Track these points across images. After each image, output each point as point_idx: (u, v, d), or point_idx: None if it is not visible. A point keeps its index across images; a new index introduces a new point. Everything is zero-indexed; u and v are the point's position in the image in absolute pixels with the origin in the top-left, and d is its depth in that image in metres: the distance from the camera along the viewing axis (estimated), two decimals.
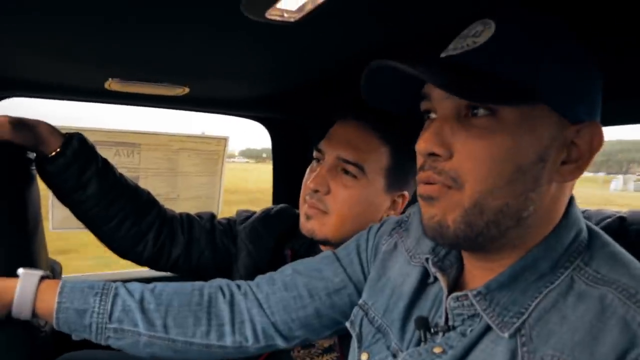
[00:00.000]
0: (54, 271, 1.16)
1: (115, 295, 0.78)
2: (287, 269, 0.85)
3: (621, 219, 0.89)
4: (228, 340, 0.79)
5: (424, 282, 0.70)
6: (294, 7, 0.62)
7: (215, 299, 0.82)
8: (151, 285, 0.82)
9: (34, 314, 0.76)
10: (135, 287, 0.81)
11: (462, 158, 0.55)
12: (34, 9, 0.70)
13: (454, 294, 0.61)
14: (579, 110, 0.55)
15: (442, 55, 0.59)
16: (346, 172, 1.00)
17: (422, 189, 0.59)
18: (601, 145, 0.56)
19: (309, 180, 1.02)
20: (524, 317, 0.55)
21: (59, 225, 1.49)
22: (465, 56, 0.56)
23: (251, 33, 0.78)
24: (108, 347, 0.86)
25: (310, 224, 1.02)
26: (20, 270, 0.77)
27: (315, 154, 1.06)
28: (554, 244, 0.57)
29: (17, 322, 0.78)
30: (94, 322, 0.76)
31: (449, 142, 0.56)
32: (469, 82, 0.53)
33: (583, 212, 0.99)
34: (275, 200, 1.75)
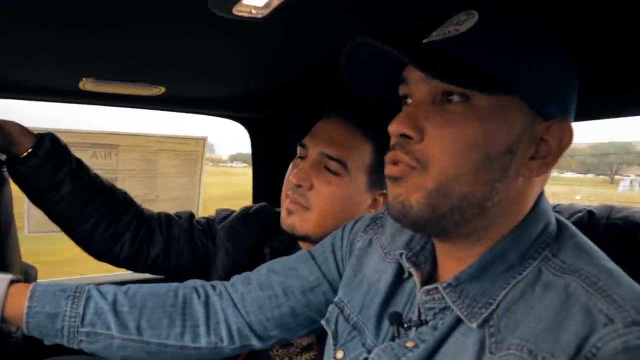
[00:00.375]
0: (28, 275, 1.15)
1: (88, 298, 0.77)
2: (263, 269, 0.85)
3: (590, 213, 0.91)
4: (203, 342, 0.79)
5: (399, 278, 0.70)
6: (260, 3, 0.62)
7: (190, 299, 0.81)
8: (125, 287, 0.81)
9: (3, 319, 0.75)
10: (108, 289, 0.80)
11: (432, 141, 0.56)
12: (2, 6, 0.69)
13: (425, 288, 0.62)
14: (552, 107, 0.56)
15: (425, 40, 0.60)
16: (329, 168, 1.00)
17: (388, 169, 0.60)
18: (570, 143, 0.57)
19: (291, 175, 1.02)
20: (492, 307, 0.56)
21: (35, 229, 1.47)
22: (445, 42, 0.57)
23: (221, 31, 0.77)
24: (81, 352, 0.85)
25: (291, 219, 1.02)
26: None
27: (299, 150, 1.06)
28: (521, 236, 0.58)
29: None
30: (65, 325, 0.75)
31: (422, 126, 0.57)
32: (446, 65, 0.54)
33: (555, 206, 1.01)
34: (255, 199, 1.75)
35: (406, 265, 0.67)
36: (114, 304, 0.78)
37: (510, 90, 0.54)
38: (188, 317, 0.79)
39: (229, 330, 0.80)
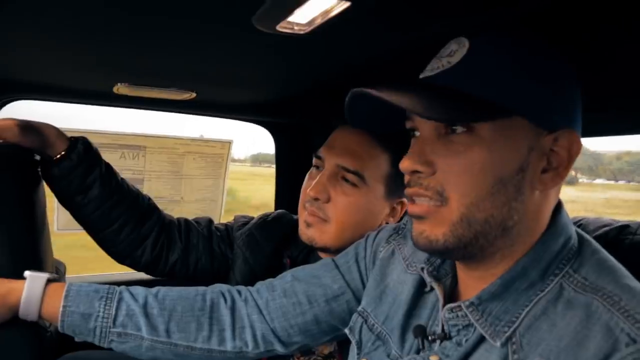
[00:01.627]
0: (58, 272, 1.17)
1: (120, 299, 0.80)
2: (287, 276, 0.86)
3: (619, 228, 0.90)
4: (229, 346, 0.81)
5: (421, 290, 0.71)
6: (304, 21, 0.63)
7: (217, 304, 0.83)
8: (155, 290, 0.83)
9: (40, 316, 0.78)
10: (139, 291, 0.82)
11: (444, 173, 0.58)
12: (46, 13, 0.71)
13: (448, 306, 0.62)
14: (555, 119, 0.57)
15: (421, 76, 0.62)
16: (346, 180, 1.00)
17: (411, 209, 0.62)
18: (579, 151, 0.58)
19: (308, 188, 1.02)
20: (515, 325, 0.56)
21: (63, 227, 1.50)
22: (439, 78, 0.59)
23: (260, 44, 0.79)
24: (110, 349, 0.88)
25: (310, 232, 1.02)
26: (27, 273, 0.79)
27: (314, 160, 1.06)
28: (542, 253, 0.58)
29: (24, 322, 0.79)
30: (98, 326, 0.78)
31: (431, 160, 0.59)
32: (442, 104, 0.55)
33: (580, 220, 1.00)
34: (277, 204, 1.76)
35: (428, 279, 0.68)
36: (145, 306, 0.80)
37: (509, 112, 0.55)
38: (215, 321, 0.81)
39: (254, 335, 0.82)
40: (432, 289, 0.69)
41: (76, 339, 0.80)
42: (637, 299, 0.52)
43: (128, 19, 0.73)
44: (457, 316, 0.61)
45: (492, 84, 0.56)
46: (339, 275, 0.83)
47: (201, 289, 0.86)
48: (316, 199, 1.01)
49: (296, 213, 1.17)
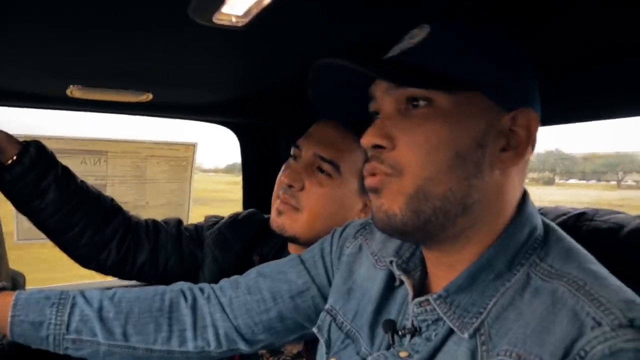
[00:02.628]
0: (17, 283, 1.14)
1: (73, 305, 0.77)
2: (252, 272, 0.85)
3: (577, 216, 0.91)
4: (190, 346, 0.79)
5: (390, 285, 0.70)
6: (240, 12, 0.63)
7: (177, 303, 0.81)
8: (110, 292, 0.81)
9: None
10: (94, 295, 0.80)
11: (404, 147, 0.58)
12: None
13: (417, 300, 0.62)
14: (512, 98, 0.58)
15: (383, 58, 0.62)
16: (321, 170, 1.00)
17: (367, 181, 0.62)
18: (537, 130, 0.59)
19: (283, 175, 1.02)
20: (482, 316, 0.56)
21: (24, 236, 1.47)
22: (401, 55, 0.60)
23: (203, 39, 0.78)
24: (69, 358, 0.85)
25: (281, 220, 1.01)
26: None
27: (293, 150, 1.06)
28: (507, 242, 0.58)
29: None
30: (50, 334, 0.75)
31: (392, 134, 0.59)
32: (403, 71, 0.57)
33: (540, 209, 1.02)
34: (245, 205, 1.75)
35: (397, 272, 0.68)
36: (100, 310, 0.78)
37: (468, 86, 0.57)
38: (175, 321, 0.80)
39: (217, 334, 0.80)
40: (401, 283, 0.68)
41: (32, 346, 0.77)
42: (600, 282, 0.52)
43: (75, 18, 0.72)
44: (426, 310, 0.61)
45: (452, 60, 0.57)
46: (304, 271, 0.82)
47: (160, 288, 0.84)
48: (290, 186, 1.00)
49: (265, 213, 1.17)
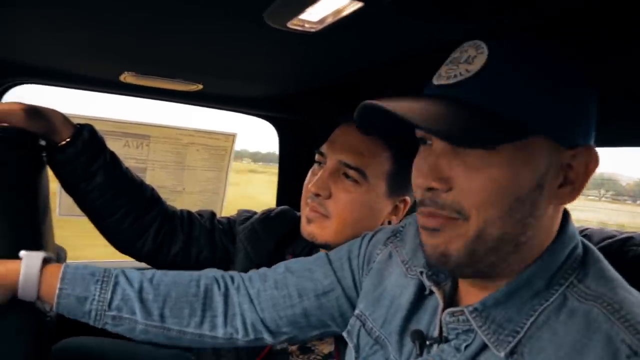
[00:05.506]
0: (59, 257, 1.18)
1: (116, 284, 0.80)
2: (281, 267, 0.87)
3: (623, 240, 0.90)
4: (220, 332, 0.82)
5: (421, 294, 0.70)
6: (315, 19, 0.64)
7: (211, 290, 0.84)
8: (149, 274, 0.84)
9: (38, 297, 0.78)
10: (135, 276, 0.83)
11: (462, 190, 0.56)
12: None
13: (450, 309, 0.62)
14: (575, 136, 0.56)
15: (435, 82, 0.59)
16: (347, 176, 0.99)
17: (424, 221, 0.60)
18: (597, 166, 0.57)
19: (310, 184, 1.02)
20: (519, 336, 0.56)
21: (66, 212, 1.51)
22: (457, 88, 0.56)
23: (270, 40, 0.79)
24: (106, 334, 0.88)
25: (311, 228, 1.02)
26: (23, 253, 0.79)
27: (317, 157, 1.06)
28: (549, 262, 0.58)
29: (24, 307, 0.80)
30: (93, 309, 0.78)
31: (447, 176, 0.56)
32: (460, 121, 0.52)
33: (584, 229, 1.01)
34: (279, 200, 1.76)
35: (427, 283, 0.68)
36: (140, 291, 0.81)
37: (528, 131, 0.53)
38: (208, 307, 0.82)
39: (244, 323, 0.83)
40: (431, 292, 0.68)
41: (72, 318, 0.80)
42: (637, 308, 0.51)
43: (138, 7, 0.73)
44: (458, 320, 0.61)
45: (515, 100, 0.53)
46: (330, 271, 0.83)
47: (195, 274, 0.86)
48: (317, 195, 1.00)
49: (299, 210, 1.17)
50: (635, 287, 0.57)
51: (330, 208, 1.00)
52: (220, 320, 0.82)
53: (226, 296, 0.84)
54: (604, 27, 0.62)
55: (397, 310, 0.72)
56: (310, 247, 1.12)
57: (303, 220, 1.05)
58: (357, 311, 0.78)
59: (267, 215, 1.20)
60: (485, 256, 0.57)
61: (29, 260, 0.78)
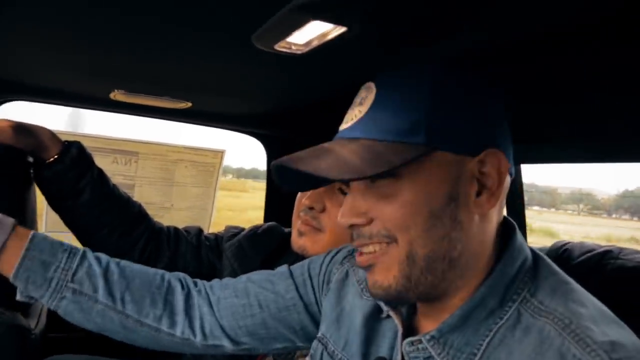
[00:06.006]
0: None
1: (83, 257, 0.79)
2: (243, 277, 0.86)
3: (603, 254, 0.92)
4: (178, 330, 0.80)
5: (377, 316, 0.70)
6: (301, 42, 0.65)
7: (174, 287, 0.83)
8: (117, 259, 0.83)
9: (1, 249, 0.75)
10: (103, 256, 0.82)
11: (380, 220, 0.58)
12: (46, 16, 0.72)
13: (408, 339, 0.62)
14: (476, 143, 0.57)
15: (340, 129, 0.62)
16: (342, 192, 0.99)
17: (358, 260, 0.62)
18: (507, 168, 0.58)
19: (304, 197, 1.02)
20: (476, 358, 0.56)
21: (52, 228, 1.51)
22: (352, 130, 0.59)
23: (258, 60, 0.81)
24: (91, 351, 0.87)
25: (302, 241, 1.02)
26: None
27: None
28: (499, 279, 0.58)
29: (7, 323, 0.79)
30: (56, 276, 0.76)
31: (364, 210, 0.59)
32: (358, 160, 0.55)
33: (565, 244, 1.02)
34: (267, 217, 1.77)
35: (385, 308, 0.68)
36: (106, 270, 0.79)
37: (426, 150, 0.55)
38: (169, 303, 0.81)
39: (202, 327, 0.81)
40: (388, 315, 0.68)
41: (18, 296, 0.76)
42: (586, 322, 0.51)
43: (129, 26, 0.74)
44: (418, 349, 0.60)
45: (404, 125, 0.56)
46: (292, 286, 0.82)
47: (160, 270, 0.86)
48: (311, 208, 1.01)
49: (286, 226, 1.17)
50: (612, 297, 0.58)
51: (324, 222, 1.00)
52: (179, 318, 0.81)
53: (188, 297, 0.83)
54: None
55: (355, 333, 0.71)
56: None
57: (294, 234, 1.05)
58: (319, 334, 0.78)
59: (254, 231, 1.19)
60: (422, 277, 0.57)
61: (1, 218, 0.76)
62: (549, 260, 0.61)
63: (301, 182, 0.65)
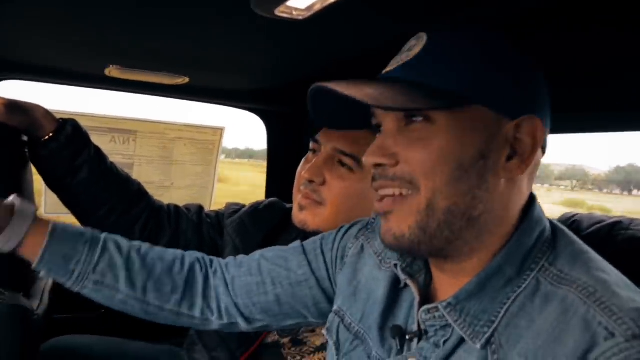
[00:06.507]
0: None
1: (104, 248, 0.79)
2: (256, 254, 0.87)
3: (612, 225, 0.91)
4: (197, 312, 0.82)
5: (396, 286, 0.70)
6: (303, 6, 0.63)
7: (193, 270, 0.84)
8: (137, 244, 0.83)
9: (19, 247, 0.75)
10: (124, 243, 0.82)
11: (407, 162, 0.57)
12: None
13: (425, 307, 0.62)
14: (515, 107, 0.57)
15: (382, 72, 0.62)
16: (342, 164, 0.99)
17: (376, 206, 0.61)
18: (544, 138, 0.58)
19: (304, 171, 1.01)
20: (495, 325, 0.55)
21: (52, 210, 1.49)
22: (396, 71, 0.59)
23: (258, 29, 0.78)
24: (95, 332, 0.86)
25: (303, 215, 1.01)
26: (14, 198, 0.76)
27: (311, 144, 1.05)
28: (517, 247, 0.57)
29: (10, 303, 0.78)
30: (78, 269, 0.77)
31: (393, 151, 0.58)
32: (399, 96, 0.55)
33: (574, 216, 1.01)
34: (268, 193, 1.76)
35: (402, 277, 0.67)
36: (128, 259, 0.80)
37: (465, 101, 0.55)
38: (189, 286, 0.82)
39: (219, 306, 0.83)
40: (406, 285, 0.68)
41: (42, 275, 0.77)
42: (611, 290, 0.51)
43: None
44: (434, 317, 0.60)
45: (449, 74, 0.56)
46: (305, 262, 0.83)
47: (179, 252, 0.86)
48: (311, 182, 1.00)
49: (288, 202, 1.16)
50: (623, 269, 0.57)
51: (324, 195, 0.99)
52: (199, 300, 0.82)
53: (206, 277, 0.84)
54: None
55: (375, 303, 0.71)
56: (301, 239, 1.12)
57: (295, 208, 1.04)
58: (335, 307, 0.78)
59: (255, 208, 1.19)
60: (438, 230, 0.57)
61: (24, 206, 0.76)
62: (567, 231, 0.60)
63: (334, 116, 0.66)
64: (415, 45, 0.59)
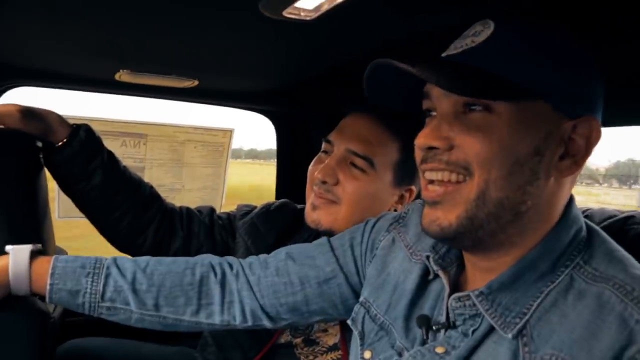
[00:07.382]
0: None
1: (107, 275, 0.79)
2: (281, 253, 0.86)
3: (624, 219, 0.90)
4: (217, 319, 0.82)
5: (425, 279, 0.70)
6: (310, 7, 0.63)
7: (207, 277, 0.83)
8: (143, 263, 0.83)
9: (31, 291, 0.77)
10: (128, 265, 0.82)
11: (462, 148, 0.57)
12: None
13: (456, 295, 0.62)
14: (576, 106, 0.56)
15: (444, 54, 0.61)
16: (355, 165, 0.99)
17: (426, 193, 0.61)
18: (598, 140, 0.57)
19: (316, 171, 1.01)
20: (527, 317, 0.56)
21: (64, 214, 1.50)
22: (462, 55, 0.58)
23: (266, 30, 0.79)
24: (111, 334, 0.87)
25: (316, 214, 1.01)
26: (9, 248, 0.78)
27: (324, 145, 1.05)
28: (553, 244, 0.58)
29: (27, 307, 0.79)
30: (86, 301, 0.78)
31: (448, 136, 0.58)
32: (463, 79, 0.55)
33: (585, 210, 1.00)
34: (278, 194, 1.76)
35: (434, 267, 0.68)
36: (133, 282, 0.80)
37: (530, 95, 0.55)
38: (204, 295, 0.82)
39: (243, 310, 0.82)
40: (435, 277, 0.68)
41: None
42: None
43: (131, 4, 0.72)
44: (465, 305, 0.61)
45: (515, 65, 0.55)
46: (333, 258, 0.83)
47: (191, 261, 0.85)
48: (324, 182, 1.00)
49: (298, 202, 1.16)
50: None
51: (339, 193, 0.99)
52: (217, 308, 0.82)
53: (223, 284, 0.83)
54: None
55: (402, 295, 0.71)
56: (312, 239, 1.12)
57: (308, 207, 1.04)
58: (361, 298, 0.78)
59: (266, 209, 1.19)
60: (486, 222, 0.57)
61: (16, 255, 0.77)
62: (601, 231, 0.60)
63: (388, 96, 0.65)
64: (482, 32, 0.58)
